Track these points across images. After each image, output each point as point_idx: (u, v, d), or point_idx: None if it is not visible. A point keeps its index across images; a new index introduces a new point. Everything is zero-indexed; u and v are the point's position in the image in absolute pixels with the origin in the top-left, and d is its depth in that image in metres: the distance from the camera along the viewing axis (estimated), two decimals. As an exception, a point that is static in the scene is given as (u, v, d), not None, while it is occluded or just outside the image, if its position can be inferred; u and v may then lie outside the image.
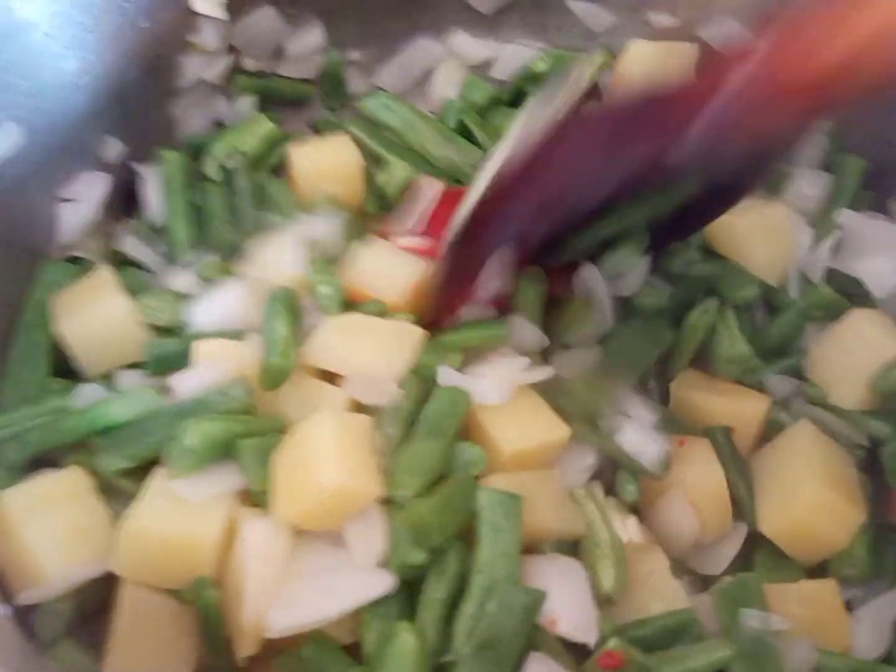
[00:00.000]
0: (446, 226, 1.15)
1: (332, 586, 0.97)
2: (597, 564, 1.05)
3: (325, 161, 1.36)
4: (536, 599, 0.96)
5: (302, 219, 1.27)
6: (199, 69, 1.40)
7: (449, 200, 1.26)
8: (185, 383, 1.07)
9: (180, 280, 1.24)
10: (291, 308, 1.12)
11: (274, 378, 1.07)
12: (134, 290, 1.20)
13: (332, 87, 1.51)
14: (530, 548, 1.04)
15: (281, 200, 1.32)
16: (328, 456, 0.96)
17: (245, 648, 0.97)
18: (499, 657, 0.93)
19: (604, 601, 1.04)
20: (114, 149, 1.34)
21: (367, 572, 0.98)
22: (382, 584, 0.96)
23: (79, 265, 1.27)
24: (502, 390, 1.09)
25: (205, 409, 1.04)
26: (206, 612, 0.98)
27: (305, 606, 0.96)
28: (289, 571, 0.98)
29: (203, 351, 1.09)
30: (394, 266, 1.20)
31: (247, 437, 1.02)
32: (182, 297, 1.21)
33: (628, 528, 1.09)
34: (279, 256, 1.21)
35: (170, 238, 1.30)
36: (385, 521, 0.99)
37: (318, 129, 1.48)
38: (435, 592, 0.97)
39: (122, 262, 1.29)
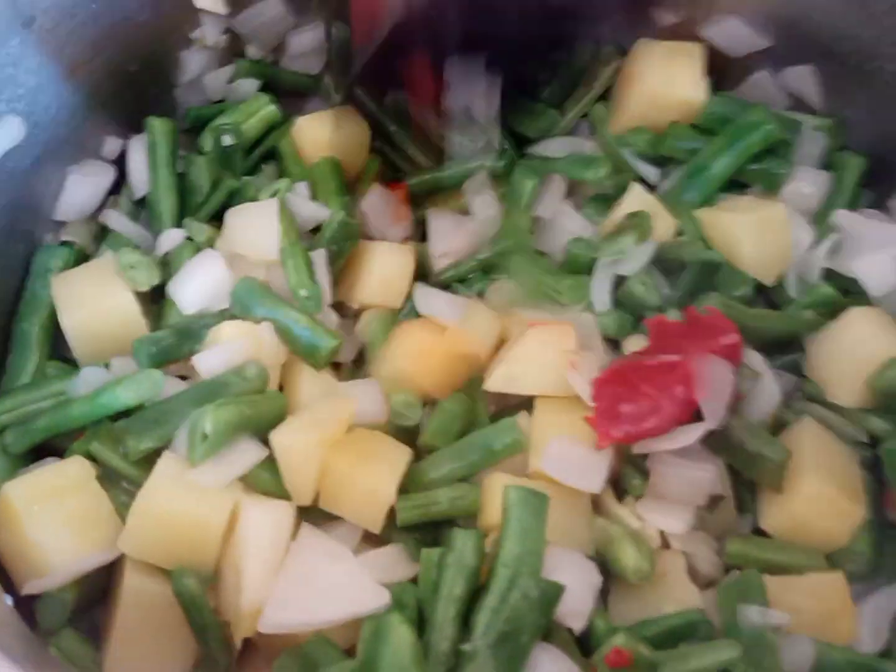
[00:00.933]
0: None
1: (328, 593, 0.98)
2: (617, 551, 1.04)
3: (330, 130, 1.36)
4: (556, 592, 0.96)
5: (281, 195, 1.26)
6: (199, 64, 1.39)
7: None
8: (208, 363, 1.09)
9: (162, 243, 1.24)
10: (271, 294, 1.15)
11: (328, 357, 1.12)
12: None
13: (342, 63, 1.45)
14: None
15: (288, 159, 1.33)
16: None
17: (243, 630, 0.97)
18: (516, 649, 0.93)
19: (627, 587, 1.05)
20: (113, 142, 1.34)
21: (366, 585, 0.98)
22: (379, 599, 0.97)
23: (72, 248, 1.27)
24: None
25: (223, 391, 1.05)
26: (186, 600, 0.98)
27: (299, 609, 0.96)
28: (288, 569, 0.99)
29: (224, 333, 1.10)
30: None
31: (256, 417, 1.04)
32: (160, 260, 1.22)
33: (645, 532, 1.08)
34: (257, 235, 1.20)
35: (153, 210, 1.29)
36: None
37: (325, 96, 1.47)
38: (453, 589, 0.96)
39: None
